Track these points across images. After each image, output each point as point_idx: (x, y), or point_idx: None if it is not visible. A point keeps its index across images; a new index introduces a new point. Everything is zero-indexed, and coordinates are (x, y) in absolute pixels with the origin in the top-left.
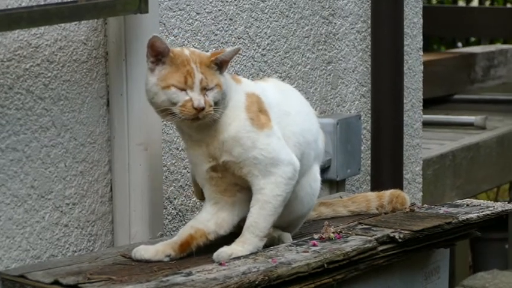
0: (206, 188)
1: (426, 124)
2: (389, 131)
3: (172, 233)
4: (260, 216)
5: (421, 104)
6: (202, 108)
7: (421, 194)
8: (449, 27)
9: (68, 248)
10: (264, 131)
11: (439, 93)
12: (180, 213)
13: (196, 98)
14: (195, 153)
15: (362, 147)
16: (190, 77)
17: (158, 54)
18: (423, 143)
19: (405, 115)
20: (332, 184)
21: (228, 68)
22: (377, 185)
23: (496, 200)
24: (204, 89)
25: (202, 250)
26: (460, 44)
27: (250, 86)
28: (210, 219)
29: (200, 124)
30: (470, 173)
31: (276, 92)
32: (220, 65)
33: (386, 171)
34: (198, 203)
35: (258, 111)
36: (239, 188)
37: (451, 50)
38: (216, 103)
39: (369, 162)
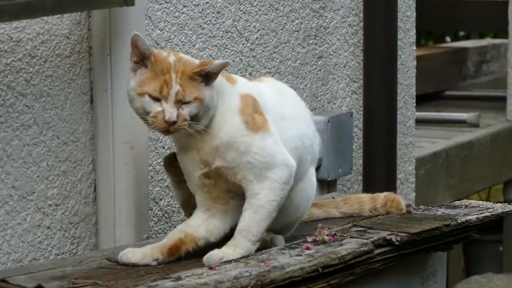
0: (198, 195)
1: (417, 121)
2: (382, 129)
3: (158, 236)
4: (253, 221)
5: (414, 101)
6: (174, 122)
7: (414, 194)
8: (439, 21)
9: (50, 251)
10: (258, 134)
11: (429, 90)
12: (166, 214)
13: (169, 111)
14: (185, 159)
15: (354, 146)
16: (167, 87)
17: (141, 55)
18: (415, 141)
19: (398, 112)
20: (323, 184)
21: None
22: (369, 185)
23: (487, 201)
24: (180, 102)
25: (191, 254)
26: (448, 39)
27: (246, 86)
28: (200, 225)
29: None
30: (463, 172)
31: (272, 94)
32: (206, 76)
33: (379, 170)
34: None
35: (254, 113)
36: (232, 195)
37: (442, 45)
38: (194, 117)
39: (361, 161)
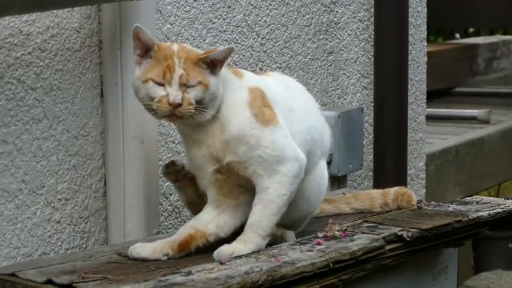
0: (210, 191)
1: (427, 118)
2: (392, 125)
3: (168, 231)
4: (263, 216)
5: (425, 97)
6: (179, 105)
7: (424, 190)
8: (449, 17)
9: (60, 245)
10: (268, 127)
11: (439, 86)
12: (176, 209)
13: (173, 93)
14: (196, 155)
15: (364, 142)
16: (169, 72)
17: (145, 47)
18: (425, 138)
19: (408, 108)
20: (333, 180)
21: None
22: (379, 181)
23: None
24: (184, 86)
25: (201, 250)
26: (458, 35)
27: (254, 80)
28: (210, 220)
29: (188, 123)
30: (474, 169)
31: (280, 87)
32: (211, 64)
33: (390, 166)
34: None
35: (262, 106)
36: (243, 190)
37: (452, 41)
38: (200, 102)
39: (371, 157)
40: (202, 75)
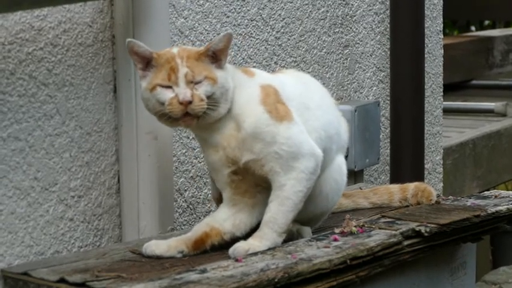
0: (226, 191)
1: (444, 111)
2: (409, 119)
3: (183, 227)
4: (279, 212)
5: (442, 90)
6: (189, 102)
7: (441, 184)
8: (464, 9)
9: (73, 243)
10: (283, 124)
11: (455, 79)
12: (191, 205)
13: (181, 92)
14: (213, 159)
15: (381, 136)
16: (174, 73)
17: (145, 59)
18: (442, 131)
19: (425, 101)
20: (350, 174)
21: (229, 56)
22: (396, 175)
23: None
24: (191, 83)
25: (216, 247)
26: (473, 28)
27: (266, 78)
28: (226, 219)
29: (201, 124)
30: (491, 162)
31: (295, 84)
32: (215, 56)
33: (407, 160)
34: (209, 195)
35: (276, 102)
36: (259, 188)
37: (468, 34)
38: (211, 98)
39: (388, 151)
40: (208, 69)
